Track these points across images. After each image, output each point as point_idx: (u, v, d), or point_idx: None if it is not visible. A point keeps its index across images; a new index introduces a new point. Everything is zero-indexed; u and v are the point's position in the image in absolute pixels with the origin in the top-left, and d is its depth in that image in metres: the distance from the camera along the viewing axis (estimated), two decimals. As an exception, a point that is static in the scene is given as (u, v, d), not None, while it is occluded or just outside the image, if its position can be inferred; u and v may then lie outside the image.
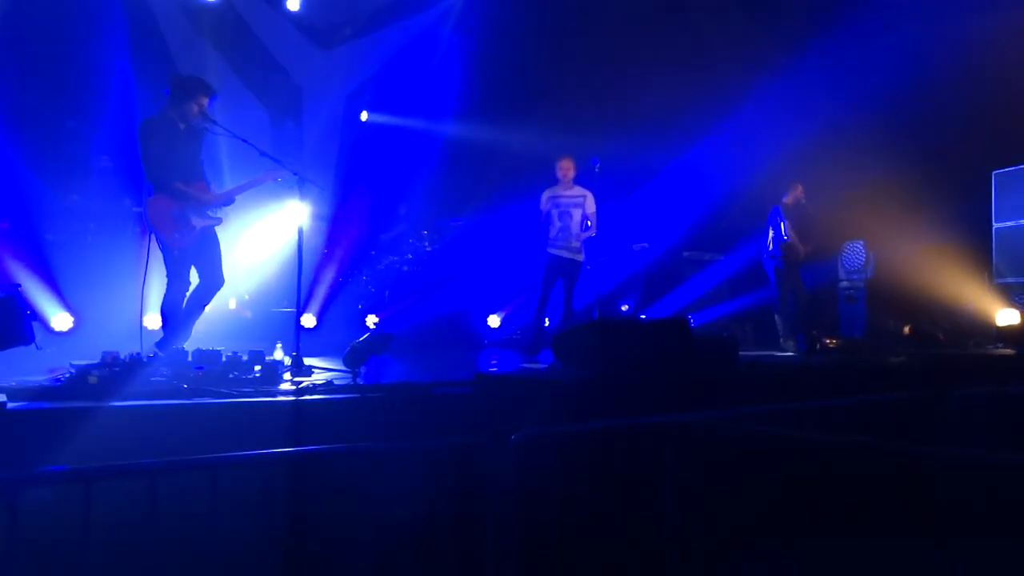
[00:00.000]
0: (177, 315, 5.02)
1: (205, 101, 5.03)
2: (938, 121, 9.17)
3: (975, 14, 9.41)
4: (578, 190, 6.97)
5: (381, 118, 10.65)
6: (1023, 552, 2.80)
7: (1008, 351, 6.95)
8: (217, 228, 5.23)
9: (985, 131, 9.04)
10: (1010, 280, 8.51)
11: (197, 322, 5.23)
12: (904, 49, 9.48)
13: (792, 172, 8.69)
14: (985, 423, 3.76)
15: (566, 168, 6.94)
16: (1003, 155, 8.87)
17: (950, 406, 3.81)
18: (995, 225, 8.82)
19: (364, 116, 10.62)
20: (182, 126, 5.04)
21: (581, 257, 6.96)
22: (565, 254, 6.89)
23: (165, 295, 5.02)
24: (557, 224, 6.91)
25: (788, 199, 8.25)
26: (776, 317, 8.18)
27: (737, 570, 3.43)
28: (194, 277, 5.15)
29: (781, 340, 8.01)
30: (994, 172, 8.89)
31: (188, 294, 5.06)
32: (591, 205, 6.95)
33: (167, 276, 5.03)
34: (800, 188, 8.28)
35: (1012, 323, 7.77)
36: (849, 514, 2.98)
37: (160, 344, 4.90)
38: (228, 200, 5.24)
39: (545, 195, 7.02)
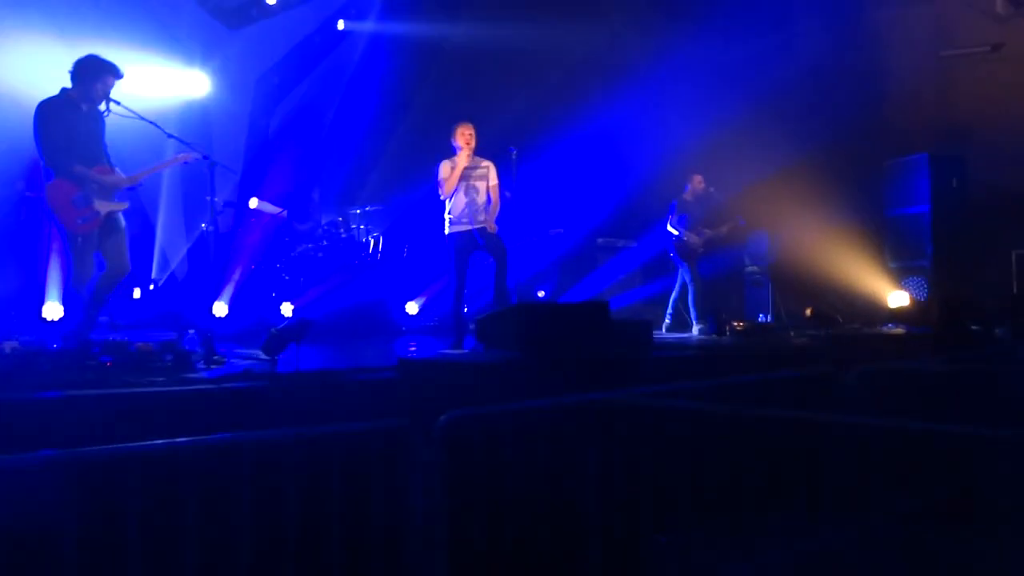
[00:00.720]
0: (80, 303, 4.81)
1: (112, 81, 4.82)
2: (834, 114, 9.66)
3: (869, 8, 9.93)
4: (482, 161, 6.45)
5: (293, 102, 10.40)
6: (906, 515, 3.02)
7: (899, 331, 7.40)
8: (123, 212, 5.02)
9: (878, 123, 9.58)
10: (901, 264, 9.05)
11: (103, 311, 5.02)
12: (802, 42, 9.93)
13: (698, 162, 9.00)
14: (878, 396, 4.01)
15: (468, 136, 6.28)
16: (894, 146, 9.40)
17: (847, 382, 4.04)
18: (887, 213, 9.35)
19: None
20: (84, 107, 4.82)
21: (495, 228, 6.40)
22: (472, 228, 6.31)
23: (67, 283, 4.81)
24: (463, 199, 6.32)
25: (687, 192, 8.60)
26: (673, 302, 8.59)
27: (657, 544, 3.57)
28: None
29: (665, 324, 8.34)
30: (885, 162, 9.41)
31: (94, 282, 4.85)
32: (495, 177, 6.46)
33: (71, 263, 4.81)
34: (699, 178, 8.60)
35: (903, 304, 8.28)
36: (760, 486, 3.14)
37: (64, 333, 4.69)
38: (134, 184, 5.05)
39: (446, 166, 6.36)
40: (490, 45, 10.11)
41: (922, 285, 8.65)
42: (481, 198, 6.35)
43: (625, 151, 10.34)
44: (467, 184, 6.34)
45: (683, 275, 8.50)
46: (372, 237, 9.15)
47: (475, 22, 10.11)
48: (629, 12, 10.68)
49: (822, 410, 3.83)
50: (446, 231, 6.41)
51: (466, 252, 6.34)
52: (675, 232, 8.42)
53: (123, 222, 5.01)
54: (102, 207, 4.82)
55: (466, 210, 6.31)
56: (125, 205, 4.98)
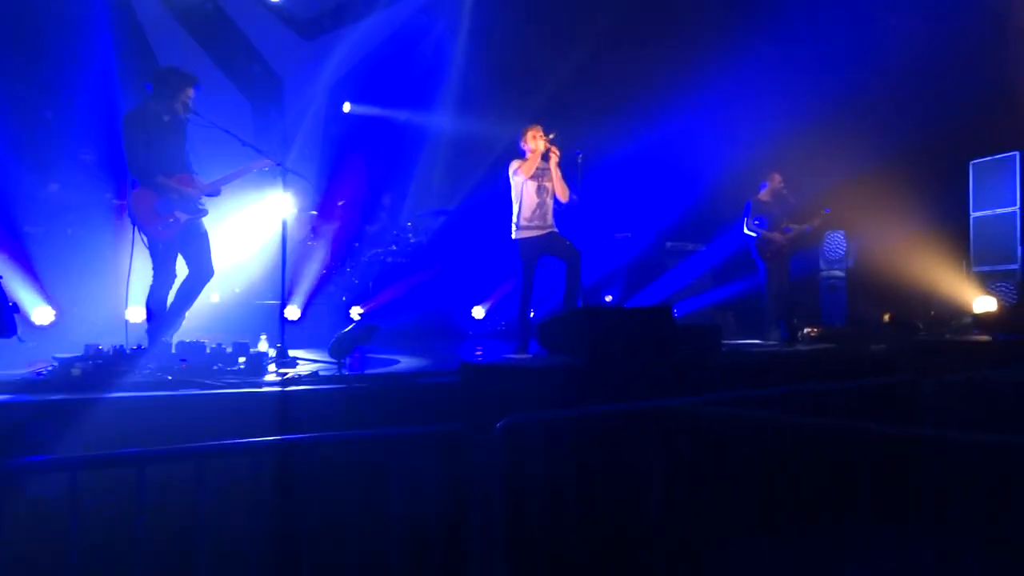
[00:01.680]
0: (163, 308, 5.00)
1: (191, 92, 5.01)
2: (916, 112, 9.28)
3: (952, 5, 9.51)
4: (547, 163, 6.25)
5: (364, 109, 10.61)
6: (996, 531, 2.87)
7: (984, 338, 7.05)
8: (204, 220, 5.21)
9: (962, 121, 9.16)
10: (987, 268, 8.64)
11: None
12: (883, 40, 9.57)
13: (773, 163, 8.77)
14: (961, 407, 3.83)
15: (539, 137, 6.13)
16: (980, 145, 8.99)
17: (927, 391, 3.88)
18: (972, 214, 8.94)
19: (347, 107, 10.57)
20: (166, 119, 5.01)
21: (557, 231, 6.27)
22: (543, 232, 6.16)
23: (151, 288, 5.00)
24: (534, 200, 6.16)
25: (764, 192, 8.38)
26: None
27: (725, 554, 3.49)
28: (182, 270, 5.13)
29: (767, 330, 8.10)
30: (971, 162, 9.00)
31: (175, 287, 5.05)
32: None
33: (153, 269, 5.01)
34: (777, 177, 8.38)
35: (988, 310, 7.89)
36: (832, 498, 3.04)
37: (149, 337, 4.89)
38: (214, 191, 5.23)
39: (519, 169, 6.16)
40: (559, 49, 10.12)
41: (1010, 290, 8.23)
42: (551, 199, 6.22)
43: (694, 154, 10.17)
44: (538, 184, 6.19)
45: (764, 276, 8.26)
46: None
47: (545, 25, 10.13)
48: (700, 10, 10.50)
49: (899, 421, 3.70)
50: (514, 235, 6.27)
51: (536, 257, 6.21)
52: (753, 233, 8.20)
53: (204, 228, 5.19)
54: (182, 215, 5.01)
55: (538, 211, 6.16)
56: (206, 213, 5.16)
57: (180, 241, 5.04)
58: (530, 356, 4.61)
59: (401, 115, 10.54)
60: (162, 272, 4.99)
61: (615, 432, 3.00)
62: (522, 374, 3.91)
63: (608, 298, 10.02)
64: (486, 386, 3.99)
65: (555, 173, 6.16)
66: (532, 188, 6.16)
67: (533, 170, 6.09)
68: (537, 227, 6.16)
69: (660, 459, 3.03)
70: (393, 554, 2.64)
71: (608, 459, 2.96)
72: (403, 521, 2.72)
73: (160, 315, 4.98)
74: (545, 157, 6.17)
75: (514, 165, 6.21)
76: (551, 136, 6.17)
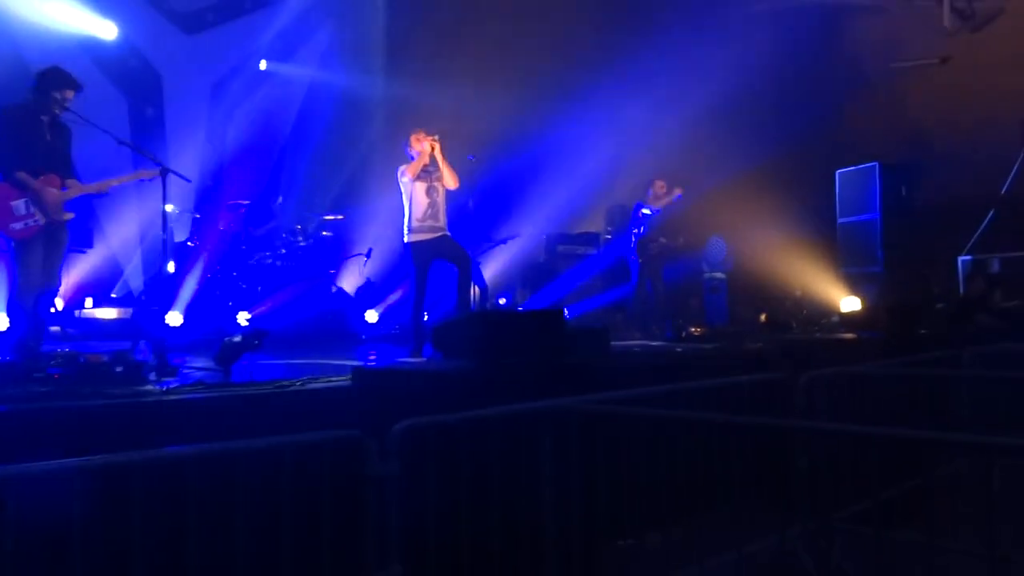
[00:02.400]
0: (28, 314, 4.70)
1: (71, 94, 4.80)
2: (788, 123, 9.88)
3: (821, 20, 10.17)
4: (434, 167, 6.26)
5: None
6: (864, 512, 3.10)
7: (850, 335, 7.56)
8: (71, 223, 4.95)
9: (831, 132, 9.82)
10: (853, 270, 9.25)
11: (55, 322, 4.94)
12: (756, 52, 10.11)
13: (656, 169, 9.12)
14: (830, 400, 4.09)
15: (421, 139, 6.15)
16: (847, 154, 9.62)
17: (800, 386, 4.12)
18: (839, 220, 9.56)
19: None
20: (44, 118, 4.80)
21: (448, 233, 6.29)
22: (434, 235, 6.14)
23: (10, 293, 4.71)
24: (424, 201, 6.12)
25: (650, 196, 8.73)
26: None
27: (615, 550, 3.60)
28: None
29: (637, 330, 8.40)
30: (837, 171, 9.62)
31: (41, 293, 4.76)
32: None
33: (16, 272, 4.71)
34: (661, 184, 8.74)
35: (854, 309, 8.47)
36: (716, 489, 3.19)
37: (12, 344, 4.61)
38: (100, 193, 5.04)
39: (406, 170, 6.15)
40: (452, 53, 10.15)
41: (873, 290, 8.85)
42: (442, 199, 6.19)
43: (584, 158, 10.44)
44: (428, 185, 6.16)
45: (635, 278, 8.62)
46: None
47: (439, 31, 10.15)
48: (586, 22, 10.79)
49: (776, 414, 3.92)
50: (406, 238, 6.22)
51: (428, 260, 6.17)
52: (636, 233, 8.54)
53: (63, 236, 4.93)
54: (41, 217, 4.74)
55: (429, 211, 6.12)
56: (69, 216, 4.90)
57: (40, 244, 4.77)
58: (424, 359, 4.61)
59: (290, 115, 10.29)
60: (23, 275, 4.71)
61: (509, 433, 3.04)
62: (416, 378, 3.91)
63: (502, 301, 10.12)
64: (380, 390, 3.96)
65: (441, 161, 6.17)
66: (421, 189, 6.15)
67: (418, 170, 6.10)
68: (429, 229, 6.12)
69: (552, 458, 3.10)
70: (286, 566, 2.58)
71: (503, 460, 2.99)
72: (296, 532, 2.66)
73: (24, 322, 4.68)
74: (433, 160, 6.19)
75: (401, 168, 6.23)
76: (434, 135, 6.18)
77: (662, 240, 8.64)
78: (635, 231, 8.56)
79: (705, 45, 10.16)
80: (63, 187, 4.84)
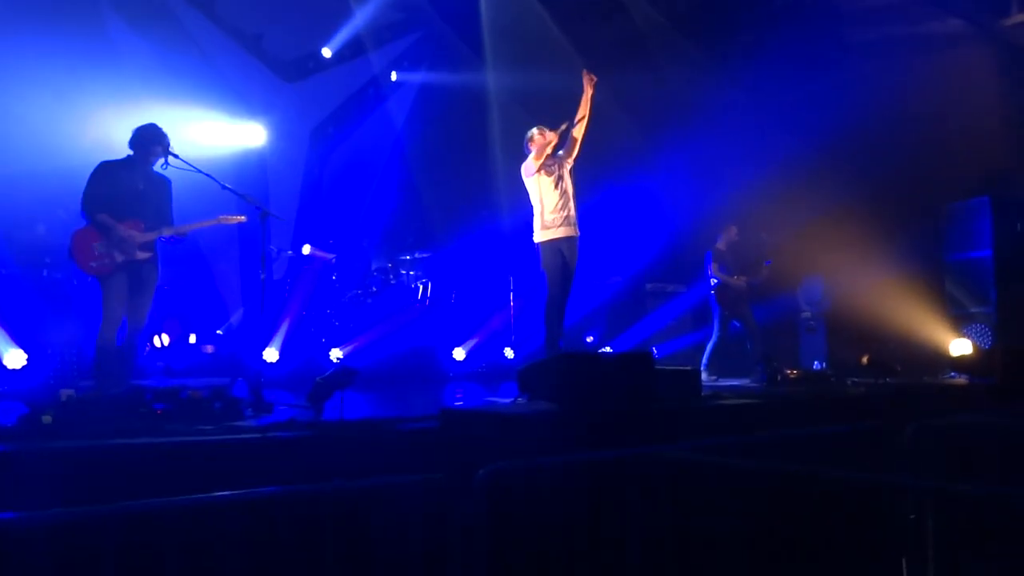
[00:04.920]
0: (112, 349, 5.00)
1: (159, 151, 5.16)
2: (892, 156, 9.46)
3: (925, 51, 9.77)
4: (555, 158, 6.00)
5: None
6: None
7: (961, 380, 7.11)
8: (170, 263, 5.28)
9: (936, 166, 9.35)
10: (963, 311, 8.74)
11: (160, 358, 5.21)
12: (858, 84, 9.80)
13: (751, 205, 8.90)
14: (939, 452, 3.84)
15: (544, 132, 5.93)
16: (954, 189, 9.16)
17: (907, 436, 3.89)
18: (947, 257, 9.07)
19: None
20: (139, 170, 5.18)
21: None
22: (568, 233, 5.86)
23: (100, 330, 5.00)
24: (555, 195, 5.88)
25: (720, 243, 8.56)
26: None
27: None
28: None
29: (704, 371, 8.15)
30: (945, 205, 9.17)
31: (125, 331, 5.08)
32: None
33: (102, 310, 5.03)
34: (733, 229, 8.61)
35: (965, 352, 7.97)
36: (813, 547, 3.02)
37: (96, 379, 4.89)
38: (179, 236, 5.31)
39: (530, 164, 5.88)
40: (537, 92, 10.26)
41: (985, 332, 8.33)
42: (572, 200, 5.94)
43: (677, 195, 10.30)
44: (556, 177, 5.93)
45: (716, 322, 8.41)
46: (421, 283, 9.24)
47: (519, 71, 10.31)
48: (677, 57, 10.72)
49: (879, 467, 3.70)
50: (536, 237, 5.96)
51: (561, 259, 5.86)
52: (714, 280, 8.39)
53: (151, 275, 5.22)
54: (118, 255, 5.05)
55: (561, 202, 5.90)
56: (146, 255, 5.17)
57: (124, 283, 5.07)
58: (509, 402, 4.59)
59: (382, 156, 10.60)
60: (105, 308, 5.03)
61: (596, 480, 2.97)
62: (502, 421, 3.88)
63: (589, 339, 10.03)
64: (466, 432, 3.95)
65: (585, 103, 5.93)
66: (549, 183, 5.94)
67: (542, 157, 5.85)
68: (564, 221, 5.90)
69: (639, 508, 3.00)
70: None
71: (589, 508, 2.93)
72: (385, 572, 2.66)
73: (109, 356, 4.97)
74: (556, 153, 5.96)
75: (525, 164, 6.02)
76: (562, 127, 5.93)
77: (741, 279, 8.41)
78: (712, 278, 8.41)
79: (802, 75, 9.92)
80: (143, 231, 5.15)
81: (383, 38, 10.53)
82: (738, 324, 8.48)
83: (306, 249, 8.71)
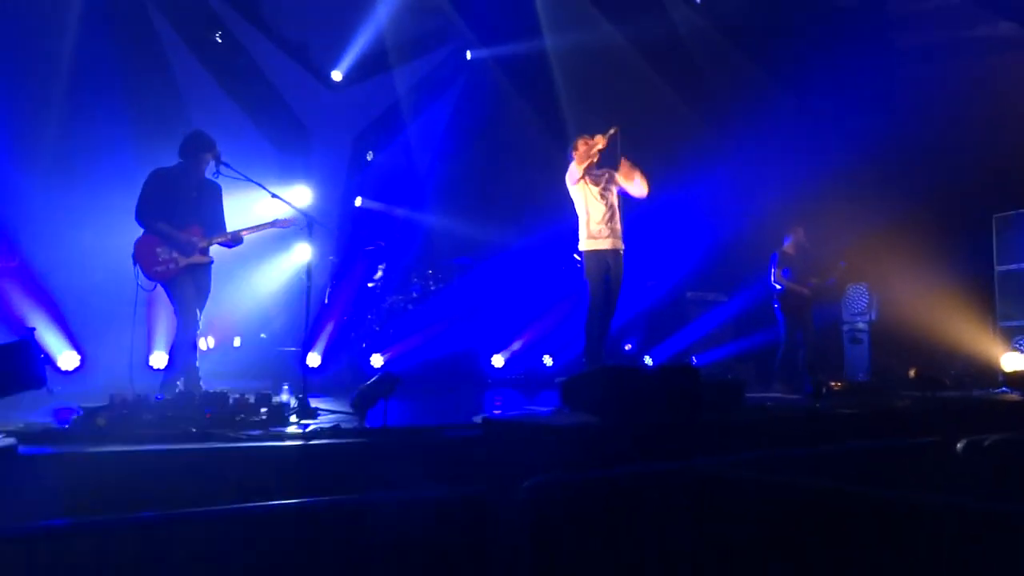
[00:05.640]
0: (184, 350, 5.19)
1: (208, 157, 5.29)
2: (939, 165, 9.26)
3: (974, 60, 9.55)
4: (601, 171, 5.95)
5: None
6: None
7: (1014, 396, 6.92)
8: (214, 268, 5.44)
9: (985, 175, 9.13)
10: (1013, 323, 8.52)
11: (207, 361, 5.35)
12: (903, 94, 9.62)
13: (795, 214, 8.77)
14: (991, 470, 3.75)
15: (587, 141, 5.87)
16: (1003, 199, 8.95)
17: (958, 454, 3.80)
18: (997, 268, 8.85)
19: (370, 156, 10.74)
20: (191, 178, 5.33)
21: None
22: (614, 245, 5.84)
23: (179, 331, 5.21)
24: (601, 206, 5.83)
25: (788, 245, 8.35)
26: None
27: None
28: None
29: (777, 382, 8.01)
30: (995, 216, 8.95)
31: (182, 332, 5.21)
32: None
33: (176, 312, 5.21)
34: (800, 231, 8.36)
35: (1017, 367, 7.76)
36: (861, 566, 2.96)
37: (162, 382, 5.01)
38: (237, 240, 5.39)
39: (573, 172, 5.84)
40: (585, 98, 10.26)
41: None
42: (618, 213, 5.90)
43: (717, 204, 10.19)
44: (602, 189, 5.88)
45: (783, 330, 8.22)
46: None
47: (564, 77, 10.31)
48: (722, 65, 10.63)
49: (930, 486, 3.62)
50: (582, 246, 5.93)
51: (604, 270, 5.79)
52: (779, 285, 8.16)
53: (205, 281, 5.39)
54: (181, 259, 5.22)
55: (607, 214, 5.86)
56: (205, 260, 5.34)
57: (192, 284, 5.24)
58: (551, 413, 4.58)
59: (422, 166, 10.67)
60: (181, 312, 5.20)
61: (639, 494, 2.95)
62: (544, 432, 3.88)
63: (628, 347, 9.97)
64: (509, 442, 3.96)
65: (624, 168, 5.87)
66: (594, 193, 5.88)
67: (585, 169, 5.77)
68: (610, 233, 5.86)
69: (684, 521, 2.98)
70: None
71: (632, 521, 2.91)
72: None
73: (179, 360, 5.18)
74: (602, 164, 5.87)
75: (569, 172, 5.95)
76: (609, 132, 5.79)
77: (814, 281, 8.20)
78: (775, 283, 8.20)
79: (851, 84, 9.77)
80: (203, 236, 5.30)
81: (418, 49, 10.62)
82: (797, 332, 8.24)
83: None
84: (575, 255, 6.20)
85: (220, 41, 8.94)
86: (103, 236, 7.33)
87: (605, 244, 5.87)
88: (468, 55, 10.88)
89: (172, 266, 5.18)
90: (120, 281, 7.01)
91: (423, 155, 10.72)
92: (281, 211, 5.47)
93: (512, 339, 9.19)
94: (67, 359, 6.49)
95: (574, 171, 5.91)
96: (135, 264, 5.18)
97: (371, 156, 10.70)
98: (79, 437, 3.57)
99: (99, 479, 3.13)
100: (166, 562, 2.18)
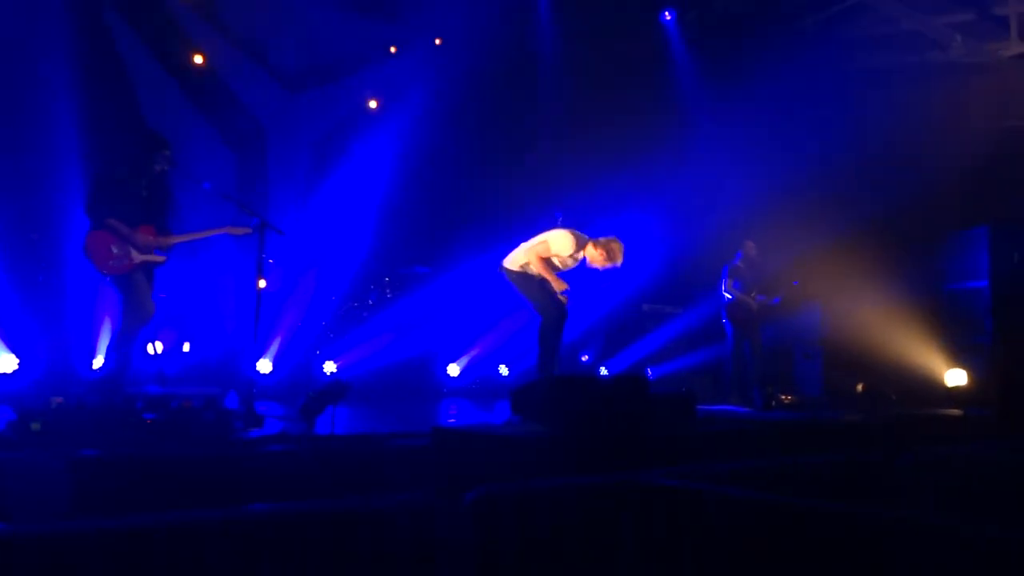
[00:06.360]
0: (120, 351, 5.07)
1: (160, 157, 5.22)
2: (891, 184, 9.48)
3: (927, 82, 9.82)
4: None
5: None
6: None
7: (956, 412, 7.08)
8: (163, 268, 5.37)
9: (936, 194, 9.36)
10: (960, 341, 8.71)
11: (151, 365, 5.24)
12: (856, 113, 9.84)
13: (749, 230, 8.88)
14: (933, 485, 3.81)
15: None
16: (953, 218, 9.16)
17: (902, 468, 3.86)
18: (945, 287, 9.05)
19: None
20: (143, 177, 5.23)
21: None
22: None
23: (123, 327, 5.10)
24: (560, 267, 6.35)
25: (739, 259, 8.43)
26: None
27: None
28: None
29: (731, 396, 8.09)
30: (944, 234, 9.16)
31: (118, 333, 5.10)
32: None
33: (125, 310, 5.11)
34: (751, 245, 8.44)
35: (960, 383, 7.94)
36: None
37: (97, 383, 4.90)
38: (186, 244, 5.34)
39: (569, 254, 6.36)
40: (539, 109, 10.29)
41: (982, 363, 8.30)
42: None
43: (676, 217, 10.29)
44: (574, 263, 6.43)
45: (731, 342, 8.29)
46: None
47: (524, 90, 10.34)
48: (682, 78, 10.77)
49: (875, 499, 3.67)
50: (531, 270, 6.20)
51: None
52: (729, 295, 8.22)
53: (152, 281, 5.33)
54: (137, 256, 5.13)
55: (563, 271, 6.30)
56: (159, 259, 5.26)
57: (144, 281, 5.16)
58: (501, 424, 4.55)
59: (382, 171, 10.59)
60: (129, 308, 5.09)
61: (587, 504, 2.93)
62: (493, 442, 3.85)
63: (585, 358, 10.00)
64: (457, 451, 3.92)
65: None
66: (566, 263, 6.29)
67: (597, 266, 6.31)
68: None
69: (631, 533, 2.97)
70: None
71: (582, 534, 2.89)
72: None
73: (115, 360, 5.04)
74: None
75: (570, 247, 6.20)
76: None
77: (754, 299, 8.26)
78: (726, 293, 8.26)
79: (804, 103, 9.95)
80: (156, 236, 5.22)
81: (382, 55, 10.57)
82: (745, 344, 8.30)
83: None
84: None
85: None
86: (49, 237, 7.15)
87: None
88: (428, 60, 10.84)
89: (126, 262, 5.09)
90: (64, 282, 6.85)
91: (382, 162, 10.63)
92: (228, 219, 5.44)
93: (468, 348, 9.15)
94: (3, 362, 6.27)
95: (573, 259, 6.22)
96: (86, 257, 5.07)
97: (329, 162, 10.58)
98: (12, 442, 3.45)
99: (32, 485, 3.02)
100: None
